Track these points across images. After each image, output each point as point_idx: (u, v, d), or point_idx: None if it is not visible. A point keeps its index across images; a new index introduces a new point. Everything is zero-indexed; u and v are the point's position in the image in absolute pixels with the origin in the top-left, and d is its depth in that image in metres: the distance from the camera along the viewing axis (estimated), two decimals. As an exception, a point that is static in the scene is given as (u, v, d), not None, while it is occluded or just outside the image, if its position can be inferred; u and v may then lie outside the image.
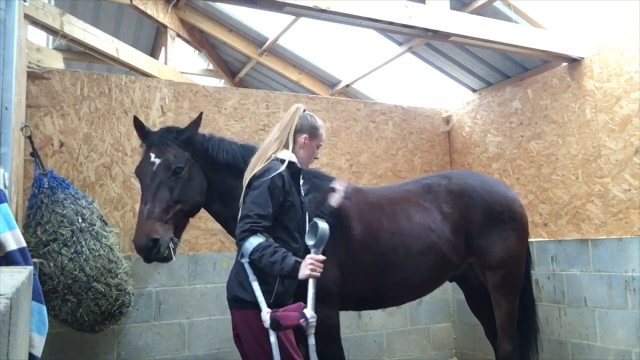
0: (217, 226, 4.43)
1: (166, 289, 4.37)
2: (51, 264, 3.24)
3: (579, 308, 4.34)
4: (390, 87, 7.02)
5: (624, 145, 4.11)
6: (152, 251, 2.74)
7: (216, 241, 4.60)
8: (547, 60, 4.97)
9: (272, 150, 2.80)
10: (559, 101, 4.68)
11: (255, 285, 2.54)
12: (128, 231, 4.30)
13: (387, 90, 7.06)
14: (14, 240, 2.05)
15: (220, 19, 6.75)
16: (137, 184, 4.37)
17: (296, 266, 2.43)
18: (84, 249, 3.33)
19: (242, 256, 2.56)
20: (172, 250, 2.82)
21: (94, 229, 3.44)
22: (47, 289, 3.21)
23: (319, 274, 2.47)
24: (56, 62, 4.31)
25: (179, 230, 2.96)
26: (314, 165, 4.67)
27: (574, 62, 4.53)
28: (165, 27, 6.92)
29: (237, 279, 2.65)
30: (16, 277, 1.52)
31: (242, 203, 2.72)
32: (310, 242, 2.62)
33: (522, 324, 3.72)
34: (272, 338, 2.48)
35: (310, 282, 2.51)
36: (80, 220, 3.39)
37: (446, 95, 6.49)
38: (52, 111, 4.18)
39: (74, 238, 3.33)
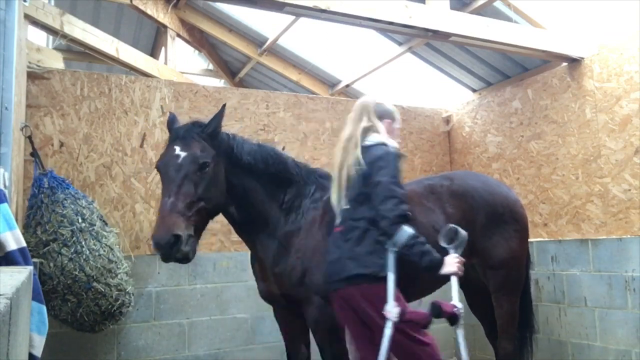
0: (217, 226, 4.46)
1: (166, 289, 4.37)
2: (51, 264, 3.24)
3: (579, 308, 4.34)
4: (390, 87, 7.02)
5: (624, 145, 4.11)
6: (173, 248, 2.57)
7: (216, 241, 4.60)
8: (547, 60, 4.97)
9: (361, 136, 2.77)
10: (559, 101, 4.68)
11: (391, 277, 2.57)
12: (128, 231, 4.30)
13: (387, 90, 7.06)
14: (14, 240, 2.05)
15: (220, 19, 6.75)
16: (136, 183, 4.37)
17: (442, 262, 2.61)
18: (84, 249, 3.33)
19: (394, 245, 2.55)
20: (194, 250, 2.67)
21: (94, 229, 3.44)
22: (47, 289, 3.21)
23: (462, 273, 2.66)
24: (56, 62, 4.31)
25: (199, 230, 2.82)
26: (317, 165, 4.68)
27: (574, 62, 4.53)
28: (165, 27, 6.91)
29: (351, 255, 2.61)
30: (16, 277, 1.52)
31: (354, 185, 2.68)
32: (444, 243, 2.76)
33: (519, 323, 3.73)
34: (389, 331, 2.48)
35: (454, 279, 2.67)
36: (80, 220, 3.39)
37: (446, 95, 6.49)
38: (52, 111, 4.18)
39: (74, 238, 3.33)
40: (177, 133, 2.90)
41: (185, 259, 2.66)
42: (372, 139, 2.80)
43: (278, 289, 3.15)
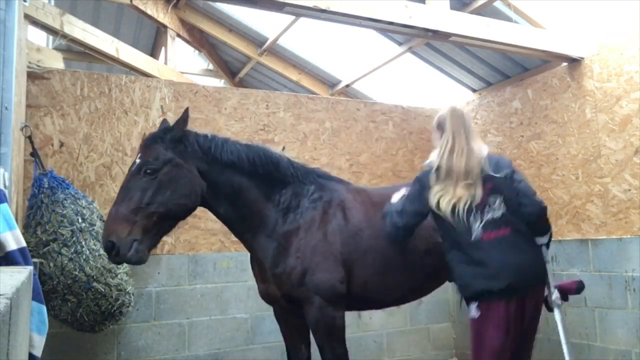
0: (217, 226, 4.46)
1: (166, 289, 4.37)
2: (51, 264, 3.24)
3: (579, 308, 4.34)
4: (390, 87, 7.01)
5: (624, 145, 4.11)
6: (110, 253, 2.69)
7: (216, 241, 4.60)
8: (547, 60, 4.97)
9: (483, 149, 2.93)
10: (559, 101, 4.68)
11: (549, 267, 2.88)
12: (128, 231, 4.30)
13: (387, 90, 7.06)
14: (14, 240, 2.05)
15: (220, 19, 6.75)
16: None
17: None
18: (84, 249, 3.33)
19: (548, 235, 2.88)
20: (139, 253, 2.71)
21: (94, 229, 3.44)
22: (47, 289, 3.21)
23: None
24: (56, 62, 4.31)
25: (159, 233, 2.88)
26: (317, 165, 4.67)
27: (574, 62, 4.53)
28: (165, 27, 6.92)
29: (537, 261, 2.83)
30: (16, 277, 1.52)
31: (504, 190, 2.81)
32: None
33: None
34: (560, 315, 2.95)
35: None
36: (80, 220, 3.39)
37: (446, 95, 6.49)
38: (52, 111, 4.18)
39: (74, 238, 3.32)
40: (145, 141, 3.01)
41: (134, 263, 2.76)
42: (484, 148, 2.96)
43: (278, 290, 3.15)
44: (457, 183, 2.78)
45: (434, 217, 2.87)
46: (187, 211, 2.99)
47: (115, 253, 2.68)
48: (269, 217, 3.14)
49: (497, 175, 2.80)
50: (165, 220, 2.90)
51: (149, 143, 2.96)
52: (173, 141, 2.95)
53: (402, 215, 2.93)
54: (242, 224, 3.16)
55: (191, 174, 2.94)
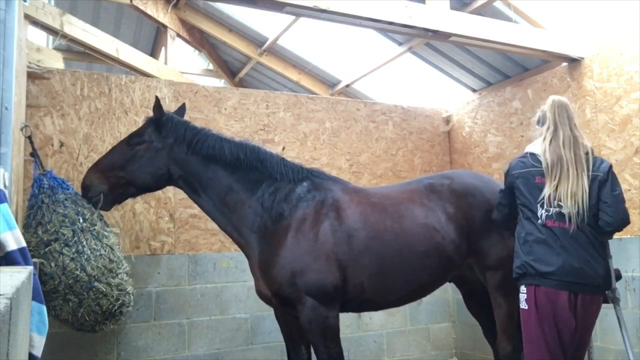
0: (217, 226, 4.46)
1: (166, 289, 4.37)
2: (52, 264, 3.23)
3: (579, 308, 4.33)
4: (390, 87, 7.01)
5: (624, 145, 4.11)
6: (85, 193, 3.34)
7: (216, 241, 4.60)
8: (547, 60, 4.97)
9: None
10: (559, 101, 4.67)
11: (611, 263, 2.89)
12: (128, 231, 4.31)
13: (387, 90, 7.06)
14: (14, 240, 2.05)
15: (220, 19, 6.75)
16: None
17: None
18: (85, 249, 3.32)
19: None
20: (102, 203, 3.31)
21: (94, 229, 3.44)
22: (48, 288, 3.20)
23: None
24: (56, 62, 4.31)
25: (125, 194, 3.37)
26: (317, 165, 4.67)
27: (574, 62, 4.53)
28: (165, 27, 6.92)
29: (597, 263, 2.82)
30: (16, 277, 1.52)
31: (592, 191, 2.84)
32: None
33: (518, 323, 3.71)
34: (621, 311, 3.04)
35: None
36: (81, 220, 3.38)
37: (446, 95, 6.49)
38: (52, 111, 4.18)
39: (75, 238, 3.32)
40: (145, 119, 3.48)
41: (100, 208, 3.37)
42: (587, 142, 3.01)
43: (268, 289, 3.15)
44: (563, 171, 2.89)
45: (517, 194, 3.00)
46: (147, 187, 3.38)
47: (87, 194, 3.32)
48: (252, 212, 3.17)
49: (597, 174, 2.89)
50: (130, 186, 3.33)
51: (146, 122, 3.39)
52: (158, 126, 3.31)
53: (499, 208, 3.19)
54: (222, 216, 3.27)
55: (160, 159, 3.26)
